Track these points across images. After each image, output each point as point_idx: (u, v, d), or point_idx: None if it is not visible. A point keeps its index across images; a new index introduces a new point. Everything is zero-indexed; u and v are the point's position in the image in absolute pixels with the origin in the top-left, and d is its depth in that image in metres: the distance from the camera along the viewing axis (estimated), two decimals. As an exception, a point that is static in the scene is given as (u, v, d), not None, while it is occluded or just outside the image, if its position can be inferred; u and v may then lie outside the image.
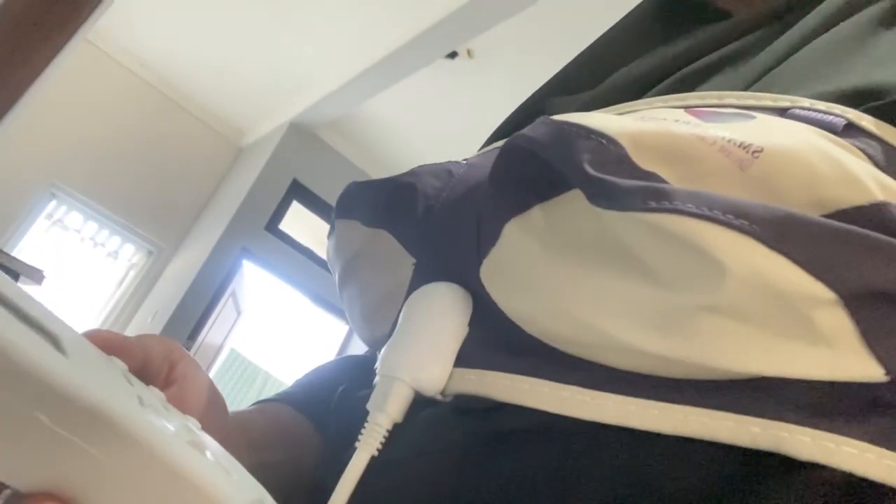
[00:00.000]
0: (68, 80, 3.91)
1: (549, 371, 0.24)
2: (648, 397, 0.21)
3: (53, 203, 4.08)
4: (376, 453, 0.26)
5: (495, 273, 0.26)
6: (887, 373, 0.19)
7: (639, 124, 0.23)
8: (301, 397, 0.41)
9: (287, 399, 0.40)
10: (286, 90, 3.88)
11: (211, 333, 3.91)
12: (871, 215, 0.20)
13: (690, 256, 0.20)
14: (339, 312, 4.00)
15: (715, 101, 0.27)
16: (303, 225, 4.01)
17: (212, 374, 4.44)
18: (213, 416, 0.30)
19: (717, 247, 0.19)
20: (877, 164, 0.22)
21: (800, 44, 0.29)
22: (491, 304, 0.26)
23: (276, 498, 0.22)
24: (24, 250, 3.93)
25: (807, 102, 0.25)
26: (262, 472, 0.34)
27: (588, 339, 0.23)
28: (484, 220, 0.27)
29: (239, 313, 4.36)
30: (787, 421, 0.19)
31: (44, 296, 3.80)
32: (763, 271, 0.19)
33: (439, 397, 0.27)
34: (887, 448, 0.19)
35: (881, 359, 0.19)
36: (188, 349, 3.65)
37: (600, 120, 0.23)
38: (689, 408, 0.21)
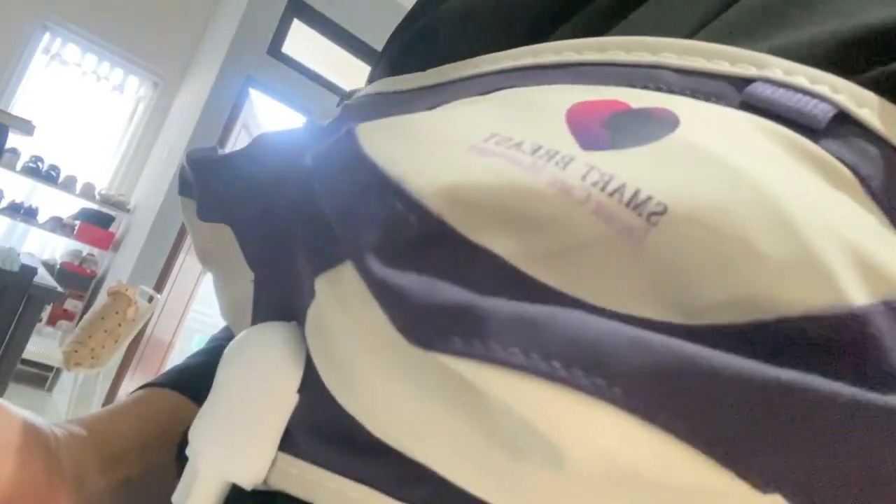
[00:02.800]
0: None
1: (388, 480, 0.17)
2: None
3: (48, 36, 3.88)
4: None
5: (315, 336, 0.19)
6: None
7: (466, 166, 0.14)
8: (196, 373, 0.35)
9: (179, 381, 0.35)
10: None
11: (228, 166, 3.88)
12: (836, 335, 0.11)
13: (522, 426, 0.12)
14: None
15: (649, 59, 0.17)
16: (307, 47, 3.76)
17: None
18: (20, 459, 0.25)
19: (549, 423, 0.12)
20: (873, 194, 0.13)
21: None
22: None
23: None
24: (26, 89, 3.82)
25: (779, 70, 0.15)
26: (127, 491, 0.30)
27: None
28: (301, 264, 0.19)
29: (254, 143, 4.29)
30: None
31: (51, 138, 3.76)
32: (627, 462, 0.11)
33: (263, 488, 0.20)
34: None
35: None
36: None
37: (407, 159, 0.14)
38: None
